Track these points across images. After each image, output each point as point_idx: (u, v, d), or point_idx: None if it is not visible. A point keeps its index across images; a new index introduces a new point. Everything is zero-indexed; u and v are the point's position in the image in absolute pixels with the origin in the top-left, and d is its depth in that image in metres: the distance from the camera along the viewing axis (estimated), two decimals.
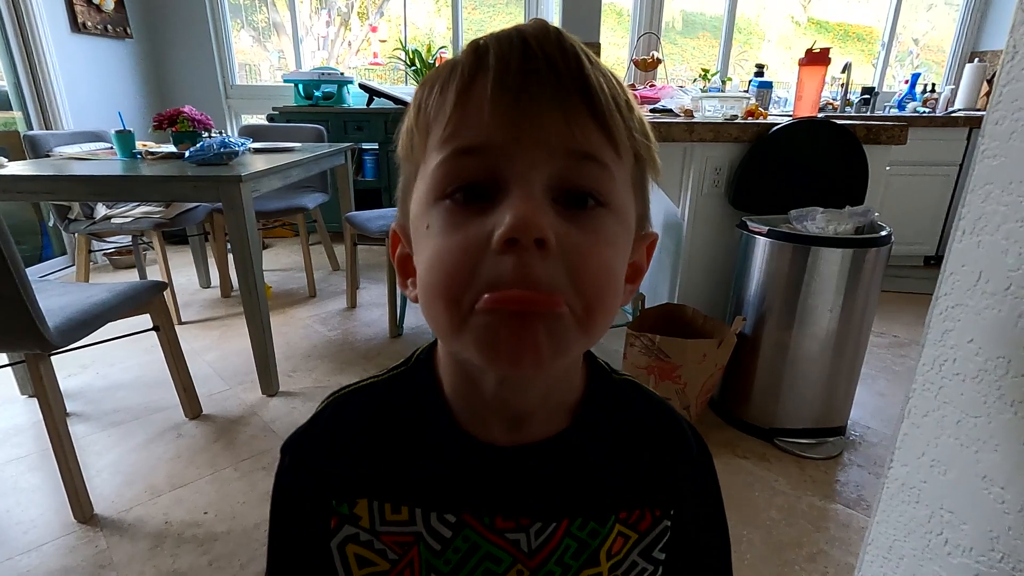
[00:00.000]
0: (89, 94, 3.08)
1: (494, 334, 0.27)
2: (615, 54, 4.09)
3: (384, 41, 4.06)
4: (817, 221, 1.43)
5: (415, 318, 2.34)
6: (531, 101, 0.27)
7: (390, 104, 3.47)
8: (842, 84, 3.15)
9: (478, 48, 0.29)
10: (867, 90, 3.28)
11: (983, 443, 0.42)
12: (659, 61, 3.21)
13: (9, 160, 1.78)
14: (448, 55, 3.51)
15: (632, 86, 2.80)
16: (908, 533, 0.48)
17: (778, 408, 1.53)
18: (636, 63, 3.25)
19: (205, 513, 1.29)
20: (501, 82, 0.28)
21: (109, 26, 3.20)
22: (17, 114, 2.86)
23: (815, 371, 1.48)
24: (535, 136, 0.28)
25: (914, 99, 3.31)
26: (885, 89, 3.80)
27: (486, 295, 0.27)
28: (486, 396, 0.34)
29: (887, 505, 0.50)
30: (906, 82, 3.39)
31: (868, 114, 3.25)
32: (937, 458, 0.46)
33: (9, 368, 1.72)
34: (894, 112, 3.33)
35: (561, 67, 0.28)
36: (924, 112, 3.13)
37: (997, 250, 0.40)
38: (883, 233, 1.40)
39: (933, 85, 3.38)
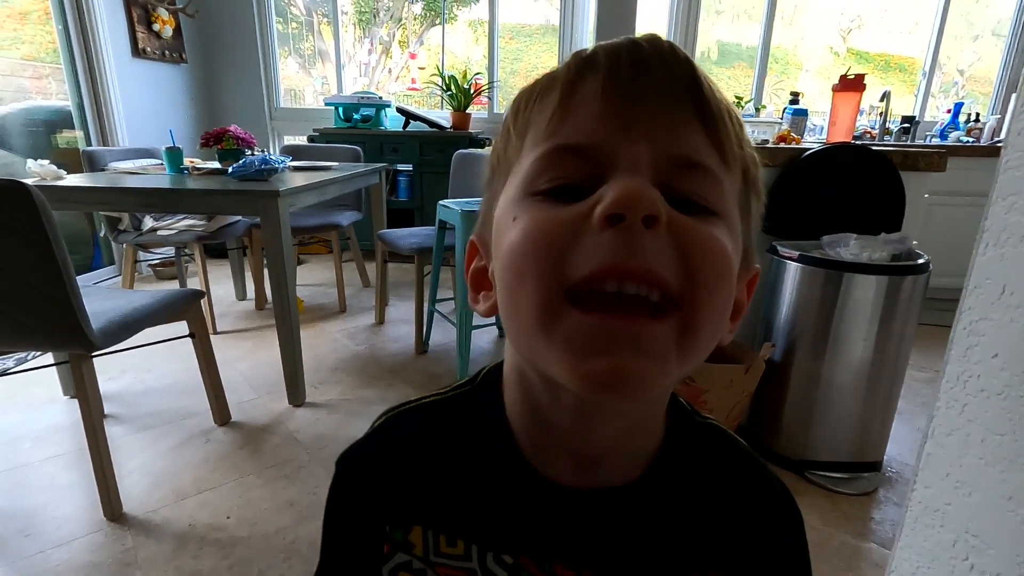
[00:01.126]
0: (145, 114, 3.27)
1: (585, 338, 0.23)
2: None
3: (423, 68, 4.20)
4: (851, 247, 1.40)
5: (441, 335, 2.36)
6: (640, 99, 0.25)
7: (425, 127, 3.58)
8: (880, 112, 3.09)
9: (582, 53, 0.28)
10: (907, 119, 3.21)
11: (1009, 462, 0.40)
12: None
13: (68, 174, 1.90)
14: (484, 80, 3.60)
15: None
16: (933, 559, 0.46)
17: (809, 439, 1.48)
18: None
19: (228, 518, 1.31)
20: (611, 79, 0.26)
21: (167, 52, 3.41)
22: (79, 133, 3.05)
23: (848, 402, 1.43)
24: (642, 135, 0.25)
25: (957, 128, 3.22)
26: (928, 119, 3.72)
27: (586, 276, 0.23)
28: (556, 431, 0.30)
29: (911, 529, 0.48)
30: (948, 111, 3.31)
31: (908, 143, 3.17)
32: (962, 479, 0.44)
33: (55, 369, 1.80)
34: (936, 141, 3.24)
35: (673, 70, 0.26)
36: (968, 141, 3.05)
37: (1021, 262, 0.39)
38: (920, 261, 1.36)
39: (977, 115, 3.29)
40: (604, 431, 0.30)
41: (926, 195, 1.61)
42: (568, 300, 0.24)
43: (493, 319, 2.01)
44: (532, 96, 0.29)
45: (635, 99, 0.25)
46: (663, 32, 3.81)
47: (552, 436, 0.31)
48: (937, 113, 3.80)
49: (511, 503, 0.32)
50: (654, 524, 0.32)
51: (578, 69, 0.27)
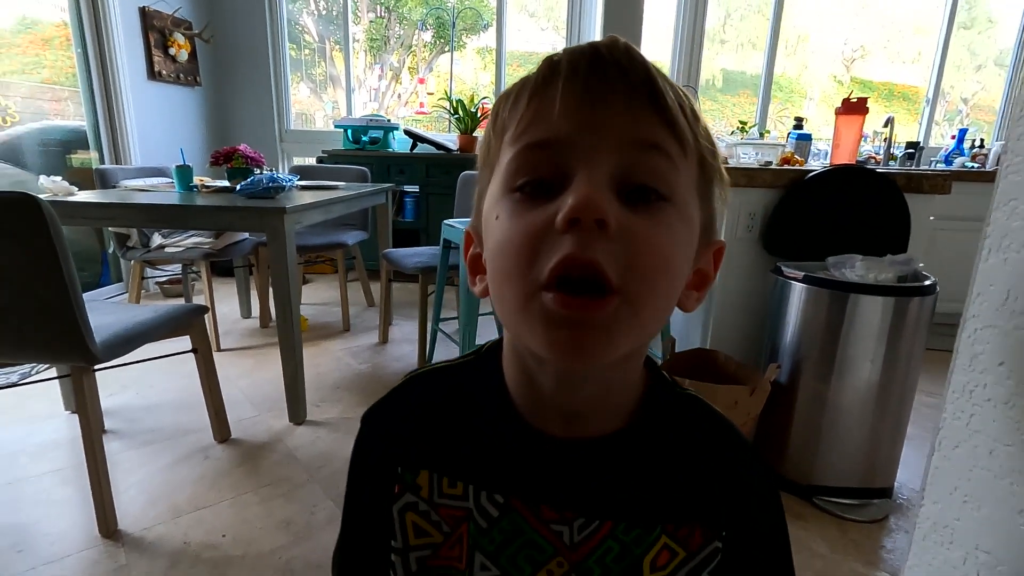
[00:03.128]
0: (158, 135, 3.33)
1: (552, 317, 0.28)
2: None
3: (431, 93, 4.28)
4: (856, 269, 1.39)
5: (445, 354, 2.35)
6: (597, 97, 0.29)
7: (432, 149, 3.62)
8: (885, 138, 3.11)
9: (552, 58, 0.32)
10: (911, 144, 3.22)
11: (1018, 474, 0.39)
12: None
13: (80, 191, 1.93)
14: (490, 105, 3.66)
15: None
16: None
17: (817, 464, 1.45)
18: None
19: (223, 536, 1.29)
20: (570, 82, 0.30)
21: (181, 75, 3.49)
22: (93, 154, 3.11)
23: (856, 426, 1.40)
24: (599, 127, 0.29)
25: (962, 154, 3.23)
26: (933, 146, 3.74)
27: (552, 274, 0.28)
28: (544, 392, 0.35)
29: (919, 548, 0.46)
30: (953, 137, 3.32)
31: (912, 167, 3.18)
32: (970, 493, 0.42)
33: (57, 384, 1.80)
34: (940, 167, 3.25)
35: (627, 68, 0.30)
36: (973, 167, 3.05)
37: None
38: (927, 283, 1.34)
39: (982, 141, 3.30)
40: (583, 391, 0.35)
41: (931, 218, 1.61)
42: (542, 289, 0.29)
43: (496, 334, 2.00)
44: (508, 100, 0.33)
45: (593, 97, 0.29)
46: (668, 61, 3.88)
47: (541, 396, 0.36)
48: (942, 140, 3.82)
49: (505, 450, 0.37)
50: (631, 472, 0.36)
51: (544, 75, 0.31)
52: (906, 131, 3.95)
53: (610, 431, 0.36)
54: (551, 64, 0.31)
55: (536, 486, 0.36)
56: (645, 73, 0.30)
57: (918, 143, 3.26)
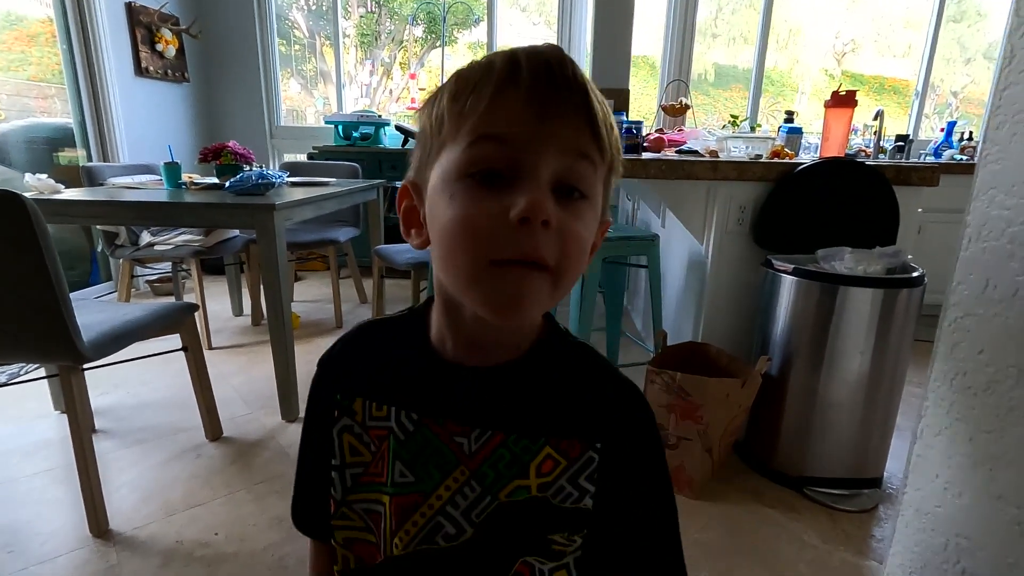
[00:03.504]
0: (146, 132, 3.30)
1: (499, 288, 0.36)
2: (646, 104, 4.18)
3: (423, 89, 4.26)
4: (846, 261, 1.40)
5: None
6: (552, 109, 0.36)
7: None
8: (875, 131, 3.12)
9: (514, 60, 0.37)
10: (901, 137, 3.24)
11: (997, 460, 0.39)
12: (687, 107, 3.26)
13: (67, 189, 1.91)
14: None
15: (661, 130, 2.84)
16: (924, 564, 0.44)
17: (808, 455, 1.46)
18: (664, 109, 3.30)
19: (216, 534, 1.28)
20: (532, 90, 0.36)
21: (169, 71, 3.46)
22: (81, 152, 3.08)
23: (846, 417, 1.41)
24: (549, 135, 0.36)
25: (951, 147, 3.25)
26: (922, 139, 3.76)
27: (500, 256, 0.36)
28: (461, 333, 0.44)
29: (902, 535, 0.46)
30: (942, 130, 3.34)
31: (902, 160, 3.20)
32: (951, 480, 0.42)
33: (46, 383, 1.79)
34: (929, 160, 3.27)
35: (575, 89, 0.37)
36: (962, 160, 3.07)
37: (1003, 255, 0.38)
38: (915, 274, 1.35)
39: (971, 133, 3.32)
40: (494, 334, 0.43)
41: (919, 210, 1.62)
42: (492, 264, 0.36)
43: None
44: (470, 88, 0.38)
45: (548, 109, 0.36)
46: (659, 55, 3.87)
47: (458, 336, 0.44)
48: (932, 133, 3.84)
49: (420, 377, 0.45)
50: (520, 394, 0.44)
51: (508, 78, 0.36)
52: (896, 124, 3.97)
53: (504, 361, 0.44)
54: (514, 65, 0.37)
55: (443, 405, 0.44)
56: (585, 93, 0.37)
57: (907, 136, 3.27)
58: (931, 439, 0.44)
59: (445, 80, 0.41)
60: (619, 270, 2.14)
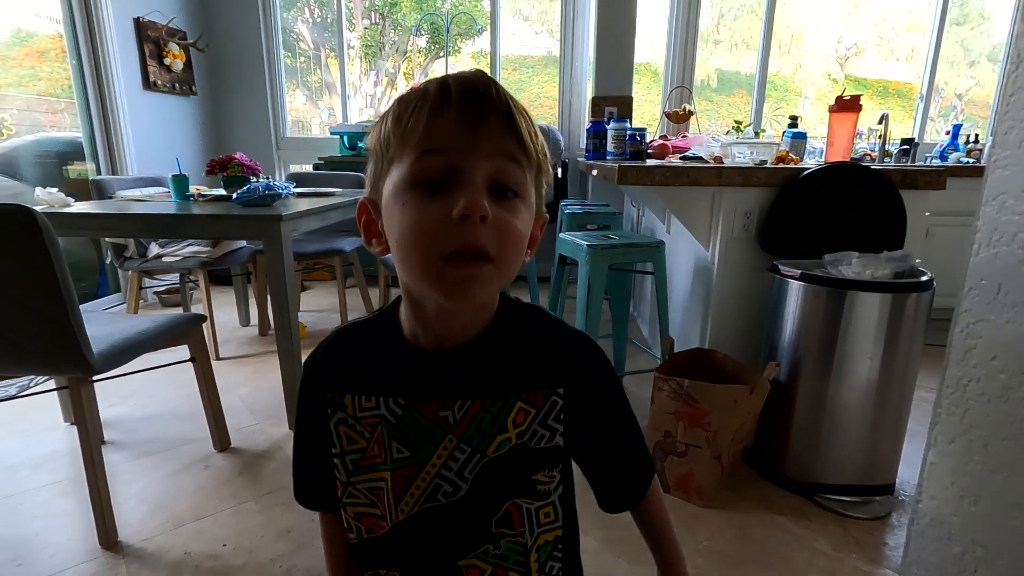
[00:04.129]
0: (154, 145, 3.33)
1: (450, 277, 0.43)
2: (649, 111, 4.18)
3: None
4: (853, 266, 1.39)
5: None
6: (479, 121, 0.43)
7: None
8: (880, 135, 3.11)
9: (445, 86, 0.43)
10: (907, 141, 3.23)
11: (1013, 467, 0.39)
12: (691, 113, 3.26)
13: (76, 202, 1.93)
14: None
15: (664, 137, 2.84)
16: (940, 574, 0.44)
17: (818, 462, 1.45)
18: (668, 115, 3.31)
19: (224, 545, 1.28)
20: (461, 108, 0.42)
21: (177, 84, 3.50)
22: (90, 165, 3.11)
23: (857, 423, 1.40)
24: (478, 143, 0.42)
25: (957, 150, 3.23)
26: (928, 142, 3.74)
27: (448, 250, 0.42)
28: (427, 323, 0.50)
29: (917, 544, 0.46)
30: (947, 133, 3.33)
31: (908, 164, 3.19)
32: (966, 488, 0.42)
33: (56, 395, 1.80)
34: (936, 163, 3.26)
35: (498, 106, 0.43)
36: (968, 162, 3.05)
37: (1014, 260, 0.38)
38: (924, 278, 1.34)
39: (977, 136, 3.31)
40: (455, 320, 0.50)
41: (927, 213, 1.61)
42: (441, 258, 0.42)
43: None
44: (409, 111, 0.44)
45: (476, 122, 0.43)
46: (662, 63, 3.88)
47: (425, 326, 0.50)
48: (937, 136, 3.83)
49: (400, 367, 0.52)
50: (487, 364, 0.51)
51: (442, 101, 0.43)
52: (901, 128, 3.96)
53: (470, 339, 0.51)
54: (445, 89, 0.43)
55: (423, 388, 0.51)
56: (507, 107, 0.44)
57: (913, 139, 3.27)
58: (945, 446, 0.43)
59: (387, 105, 0.47)
60: (625, 277, 2.13)
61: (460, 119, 0.42)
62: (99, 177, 2.43)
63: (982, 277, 0.41)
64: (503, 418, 0.50)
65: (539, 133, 0.47)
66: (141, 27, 3.21)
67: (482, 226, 0.41)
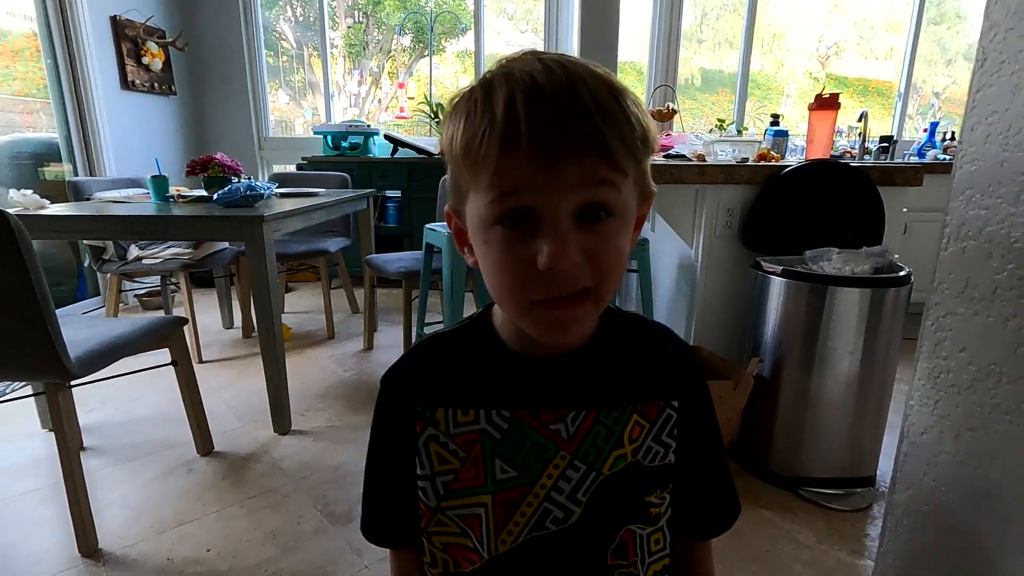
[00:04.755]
0: (133, 146, 3.28)
1: (545, 320, 0.40)
2: None
3: (412, 98, 4.26)
4: (833, 261, 1.41)
5: None
6: (557, 160, 0.36)
7: (413, 154, 3.61)
8: (859, 133, 3.16)
9: (512, 110, 0.36)
10: (885, 138, 3.28)
11: (983, 457, 0.40)
12: (674, 112, 3.29)
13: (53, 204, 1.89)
14: None
15: None
16: (914, 563, 0.45)
17: (801, 455, 1.47)
18: (652, 114, 3.33)
19: (208, 551, 1.27)
20: (536, 148, 0.35)
21: (156, 84, 3.44)
22: (67, 166, 3.05)
23: (839, 416, 1.42)
24: (558, 178, 0.36)
25: (935, 147, 3.29)
26: (906, 139, 3.81)
27: (539, 297, 0.39)
28: (529, 337, 0.44)
29: (892, 534, 0.47)
30: (925, 131, 3.39)
31: (887, 161, 3.24)
32: (938, 478, 0.43)
33: (33, 402, 1.76)
34: (914, 160, 3.31)
35: (578, 126, 0.36)
36: (945, 159, 3.11)
37: (981, 254, 0.39)
38: (902, 273, 1.37)
39: (954, 133, 3.37)
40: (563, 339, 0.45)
41: (905, 209, 1.64)
42: (533, 304, 0.39)
43: None
44: (477, 141, 0.37)
45: (551, 155, 0.36)
46: (645, 62, 3.91)
47: (529, 336, 0.44)
48: (915, 134, 3.90)
49: (504, 376, 0.47)
50: (602, 371, 0.47)
51: (507, 132, 0.36)
52: (880, 126, 4.02)
53: (578, 345, 0.46)
54: (512, 120, 0.36)
55: (531, 398, 0.46)
56: (594, 125, 0.36)
57: (892, 137, 3.32)
58: (917, 437, 0.44)
59: (456, 100, 0.41)
60: None
61: (533, 159, 0.36)
62: (76, 179, 2.39)
63: (951, 271, 0.42)
64: (619, 431, 0.46)
65: (635, 121, 0.38)
66: (118, 25, 3.15)
67: (573, 266, 0.37)
